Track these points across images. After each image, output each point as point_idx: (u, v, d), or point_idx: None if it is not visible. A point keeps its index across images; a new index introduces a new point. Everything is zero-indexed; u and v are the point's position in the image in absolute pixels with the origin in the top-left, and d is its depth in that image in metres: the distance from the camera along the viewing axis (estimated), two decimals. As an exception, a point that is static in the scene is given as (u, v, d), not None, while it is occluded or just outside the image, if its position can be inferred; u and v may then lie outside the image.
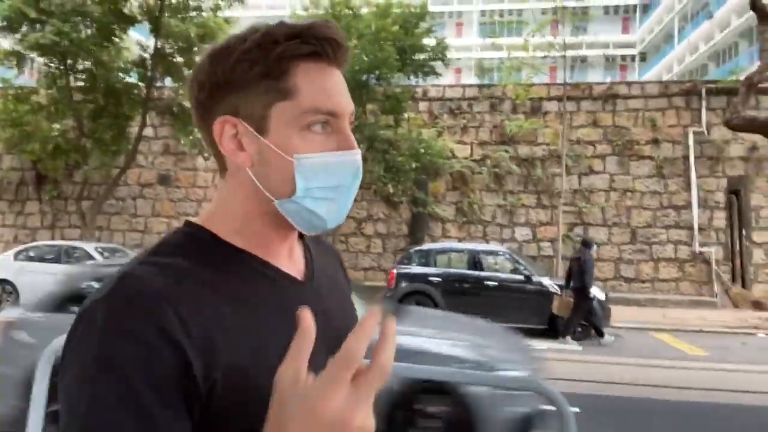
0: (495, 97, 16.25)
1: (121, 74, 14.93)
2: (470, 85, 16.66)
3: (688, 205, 14.94)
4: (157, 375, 0.57)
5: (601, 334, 9.21)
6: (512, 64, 15.95)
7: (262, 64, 0.68)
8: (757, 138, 14.95)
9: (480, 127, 16.29)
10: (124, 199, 17.43)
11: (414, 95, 16.49)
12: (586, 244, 9.72)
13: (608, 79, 30.27)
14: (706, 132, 15.02)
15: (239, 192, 0.72)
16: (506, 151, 15.82)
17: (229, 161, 0.72)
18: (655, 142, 15.35)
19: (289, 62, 0.68)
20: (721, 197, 14.94)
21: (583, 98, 15.91)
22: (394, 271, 10.41)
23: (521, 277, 9.83)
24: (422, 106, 16.64)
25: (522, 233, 15.66)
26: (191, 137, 13.66)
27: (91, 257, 10.96)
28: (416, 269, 10.31)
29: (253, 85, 0.68)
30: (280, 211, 0.70)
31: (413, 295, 10.01)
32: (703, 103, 15.15)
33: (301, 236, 0.82)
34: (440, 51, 13.15)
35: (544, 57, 15.73)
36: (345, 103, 0.70)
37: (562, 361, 8.02)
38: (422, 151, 13.24)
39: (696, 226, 14.74)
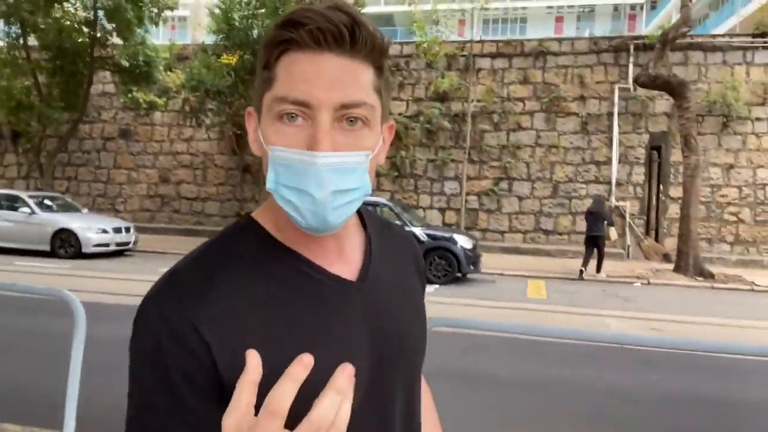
0: (431, 54, 16.65)
1: (74, 34, 15.86)
2: (408, 42, 17.05)
3: (609, 161, 15.38)
4: (190, 371, 0.61)
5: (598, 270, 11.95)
6: (421, 19, 16.15)
7: (262, 53, 0.68)
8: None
9: (416, 84, 16.80)
10: (89, 151, 18.74)
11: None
12: (601, 201, 12.26)
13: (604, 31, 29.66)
14: (632, 88, 15.23)
15: None
16: (439, 108, 16.35)
17: None
18: (582, 98, 15.67)
19: (276, 50, 0.66)
20: (642, 153, 15.30)
21: (515, 55, 16.20)
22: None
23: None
24: (362, 63, 17.18)
25: (450, 187, 16.38)
26: (130, 95, 14.63)
27: (26, 204, 12.28)
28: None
29: (261, 73, 0.69)
30: None
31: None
32: (630, 60, 15.32)
33: (365, 228, 0.80)
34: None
35: (461, 12, 15.94)
36: (321, 93, 0.64)
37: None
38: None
39: (614, 181, 15.22)
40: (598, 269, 11.94)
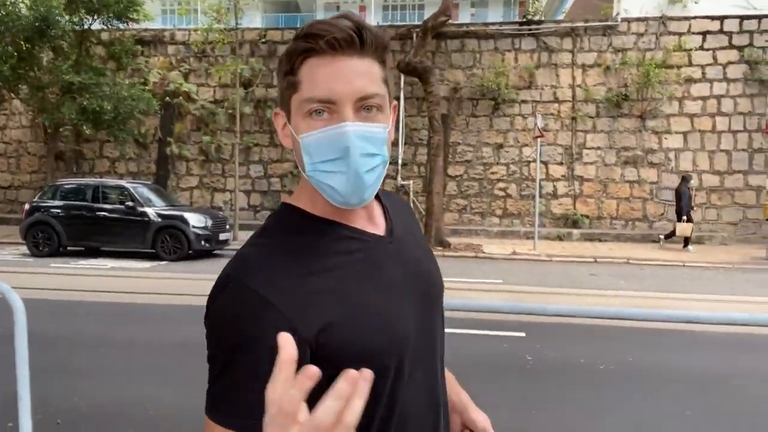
0: (236, 42, 17.12)
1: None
2: (213, 29, 17.45)
3: (396, 142, 16.37)
4: (270, 344, 0.60)
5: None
6: (185, 9, 16.64)
7: (284, 62, 0.79)
8: (461, 79, 16.32)
9: (222, 70, 17.25)
10: None
11: (162, 39, 17.44)
12: (684, 179, 13.14)
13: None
14: (416, 74, 16.19)
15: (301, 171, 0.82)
16: (242, 94, 16.86)
17: None
18: (373, 83, 16.53)
19: (297, 58, 0.77)
20: (425, 135, 16.33)
21: (313, 42, 16.87)
22: (27, 205, 11.83)
23: (125, 208, 11.29)
24: (171, 49, 17.56)
25: (255, 170, 17.06)
26: None
27: None
28: (46, 203, 11.72)
29: (284, 80, 0.80)
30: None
31: (37, 225, 11.47)
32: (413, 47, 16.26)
33: (377, 197, 0.91)
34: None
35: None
36: (341, 90, 0.75)
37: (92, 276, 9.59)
38: (126, 95, 14.31)
39: (400, 161, 16.25)
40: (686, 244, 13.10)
